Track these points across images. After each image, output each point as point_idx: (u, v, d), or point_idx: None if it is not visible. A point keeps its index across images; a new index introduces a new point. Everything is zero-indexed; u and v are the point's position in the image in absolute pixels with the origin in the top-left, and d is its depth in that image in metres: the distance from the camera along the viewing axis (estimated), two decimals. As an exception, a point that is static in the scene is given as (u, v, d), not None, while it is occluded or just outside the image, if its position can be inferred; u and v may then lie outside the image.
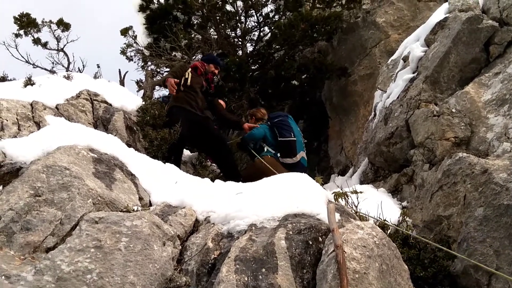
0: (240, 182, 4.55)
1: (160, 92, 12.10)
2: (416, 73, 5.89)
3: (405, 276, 3.04)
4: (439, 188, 4.32)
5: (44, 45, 12.43)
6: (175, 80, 5.99)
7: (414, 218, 4.62)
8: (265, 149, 6.32)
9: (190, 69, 6.46)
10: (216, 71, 6.98)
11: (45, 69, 12.12)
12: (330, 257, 2.77)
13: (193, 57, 10.74)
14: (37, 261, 2.67)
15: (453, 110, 4.89)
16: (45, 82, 6.25)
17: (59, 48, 12.65)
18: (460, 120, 4.78)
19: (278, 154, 6.22)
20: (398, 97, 5.97)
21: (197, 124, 6.12)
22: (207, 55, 8.26)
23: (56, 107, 5.49)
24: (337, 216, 3.38)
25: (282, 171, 4.97)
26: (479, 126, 4.64)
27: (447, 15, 5.86)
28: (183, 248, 3.34)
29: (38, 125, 4.85)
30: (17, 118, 4.74)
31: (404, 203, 5.09)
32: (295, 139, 6.24)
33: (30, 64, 12.08)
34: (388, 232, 4.00)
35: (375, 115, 6.90)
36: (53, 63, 12.60)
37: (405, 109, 5.57)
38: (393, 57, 7.42)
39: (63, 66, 12.51)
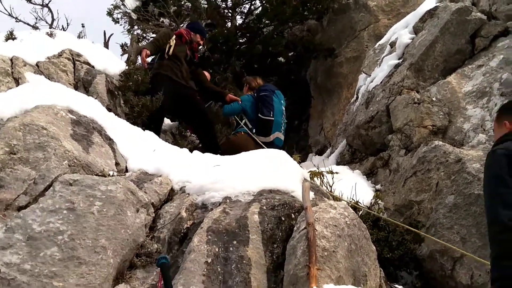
0: (218, 155, 4.56)
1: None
2: (401, 60, 5.91)
3: (372, 256, 3.12)
4: (413, 174, 4.41)
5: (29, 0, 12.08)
6: (147, 53, 6.04)
7: (386, 201, 4.72)
8: (242, 123, 6.25)
9: (174, 36, 6.35)
10: (202, 42, 6.90)
11: (28, 24, 11.73)
12: (301, 234, 2.83)
13: (181, 25, 10.56)
14: (9, 219, 2.66)
15: (434, 99, 4.94)
16: (27, 38, 6.06)
17: (43, 3, 12.30)
18: (439, 109, 4.84)
19: (254, 130, 6.14)
20: (381, 82, 6.00)
21: (180, 94, 6.07)
22: (193, 23, 8.08)
23: (37, 65, 5.35)
24: (312, 194, 3.43)
25: (253, 149, 4.89)
26: (457, 116, 4.71)
27: (437, 4, 5.86)
28: (156, 216, 3.36)
29: (17, 82, 4.74)
30: (-5, 73, 4.63)
31: (378, 186, 5.17)
32: (273, 119, 6.09)
33: (13, 17, 11.70)
34: (360, 213, 4.08)
35: (357, 98, 6.93)
36: (36, 18, 12.22)
37: (387, 94, 5.61)
38: (380, 42, 7.42)
39: (46, 22, 12.12)
